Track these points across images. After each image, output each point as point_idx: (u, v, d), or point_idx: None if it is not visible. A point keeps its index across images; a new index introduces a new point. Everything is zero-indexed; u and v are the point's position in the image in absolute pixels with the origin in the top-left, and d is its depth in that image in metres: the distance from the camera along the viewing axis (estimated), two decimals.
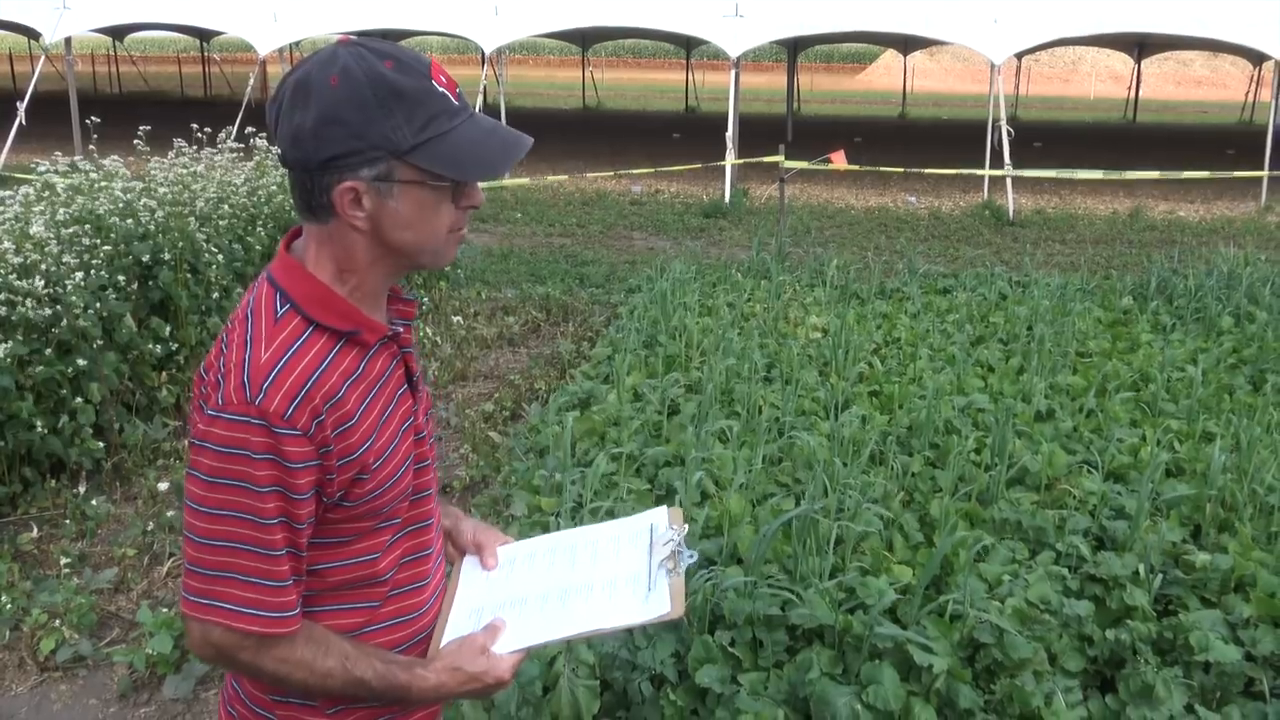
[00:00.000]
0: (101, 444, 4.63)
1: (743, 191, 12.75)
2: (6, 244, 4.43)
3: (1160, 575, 3.37)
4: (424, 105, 1.30)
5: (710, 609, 3.13)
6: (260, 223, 6.09)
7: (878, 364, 5.44)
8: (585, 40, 26.69)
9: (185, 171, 5.97)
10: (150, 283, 5.24)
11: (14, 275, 4.41)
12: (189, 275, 5.34)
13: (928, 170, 12.77)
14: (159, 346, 5.06)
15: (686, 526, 1.58)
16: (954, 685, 2.86)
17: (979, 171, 12.69)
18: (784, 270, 7.45)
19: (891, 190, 14.32)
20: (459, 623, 1.49)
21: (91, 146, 6.15)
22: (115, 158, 5.98)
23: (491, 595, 1.53)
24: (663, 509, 1.64)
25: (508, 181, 13.33)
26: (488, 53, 14.00)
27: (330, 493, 1.34)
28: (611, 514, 3.74)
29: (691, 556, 1.50)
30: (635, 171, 13.87)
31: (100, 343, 4.68)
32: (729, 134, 12.80)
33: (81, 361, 4.53)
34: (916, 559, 3.47)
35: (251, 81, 14.49)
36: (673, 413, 4.76)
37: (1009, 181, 12.22)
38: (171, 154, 6.20)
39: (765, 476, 3.99)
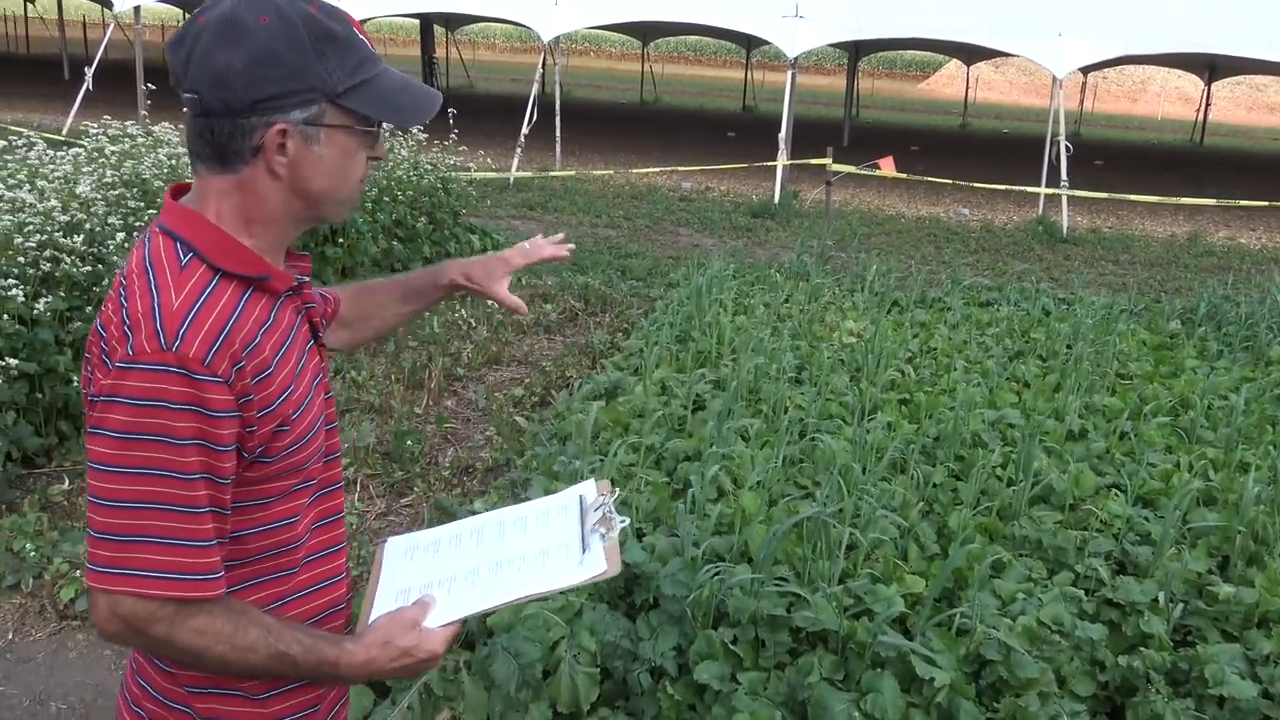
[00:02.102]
0: None
1: (793, 193, 12.67)
2: (54, 202, 4.52)
3: (1181, 605, 3.29)
4: (354, 50, 1.30)
5: (715, 605, 3.11)
6: None
7: (910, 372, 5.37)
8: (646, 35, 26.66)
9: None
10: None
11: (59, 233, 4.50)
12: None
13: (978, 184, 12.57)
14: None
15: (616, 492, 1.56)
16: (956, 700, 2.81)
17: (1030, 189, 12.49)
18: (824, 274, 7.39)
19: (944, 201, 14.15)
20: (384, 603, 1.43)
21: (144, 114, 6.26)
22: (166, 124, 6.08)
23: (418, 576, 1.48)
24: (590, 481, 1.62)
25: (558, 172, 13.37)
26: (545, 41, 14.02)
27: (250, 447, 1.28)
28: (626, 504, 3.74)
29: (623, 521, 1.47)
30: (683, 168, 13.83)
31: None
32: (781, 135, 12.72)
33: None
34: (930, 570, 3.42)
35: None
36: (698, 408, 4.74)
37: (1064, 198, 12.02)
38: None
39: (783, 477, 3.96)
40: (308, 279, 1.46)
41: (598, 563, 1.40)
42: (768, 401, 4.66)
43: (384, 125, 1.39)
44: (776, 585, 3.12)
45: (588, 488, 1.59)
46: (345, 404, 5.36)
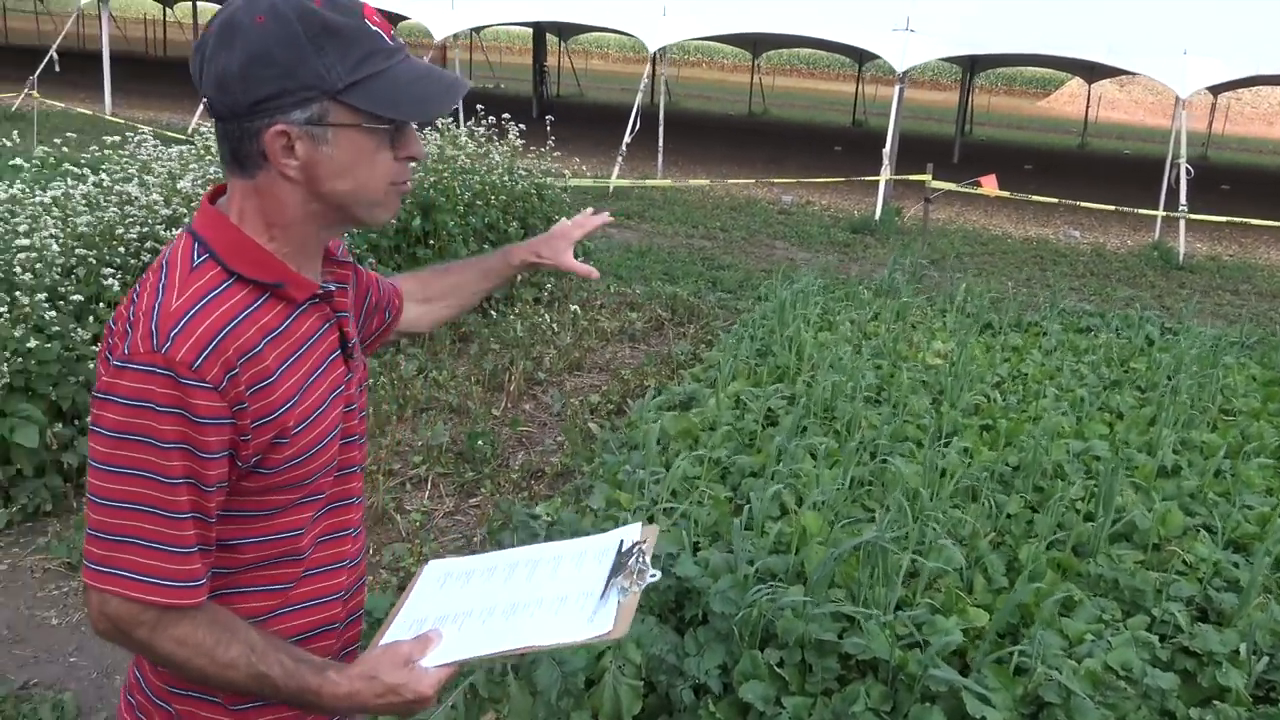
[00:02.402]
0: None
1: (895, 210, 12.43)
2: (156, 196, 4.71)
3: (1265, 658, 3.09)
4: (358, 43, 1.23)
5: (765, 626, 3.05)
6: None
7: (997, 398, 5.20)
8: (757, 47, 26.55)
9: None
10: None
11: (161, 225, 4.69)
12: None
13: (1084, 204, 12.12)
14: None
15: (653, 544, 1.49)
16: None
17: (1142, 210, 11.98)
18: (916, 292, 7.21)
19: (1055, 222, 13.70)
20: (398, 631, 1.39)
21: None
22: None
23: (438, 606, 1.44)
24: (636, 525, 1.55)
25: (658, 181, 13.39)
26: (652, 51, 14.08)
27: (245, 456, 1.25)
28: (686, 517, 3.70)
29: (654, 575, 1.40)
30: (778, 180, 13.71)
31: None
32: (886, 150, 12.50)
33: None
34: (995, 604, 3.29)
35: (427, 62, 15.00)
36: (771, 424, 4.67)
37: (1182, 223, 11.51)
38: None
39: (849, 498, 3.86)
40: (343, 286, 1.43)
41: (605, 622, 1.33)
42: (841, 420, 4.56)
43: (415, 123, 1.34)
44: (830, 609, 3.04)
45: (631, 531, 1.53)
46: (426, 402, 5.45)
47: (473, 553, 4.09)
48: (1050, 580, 3.38)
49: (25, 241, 3.85)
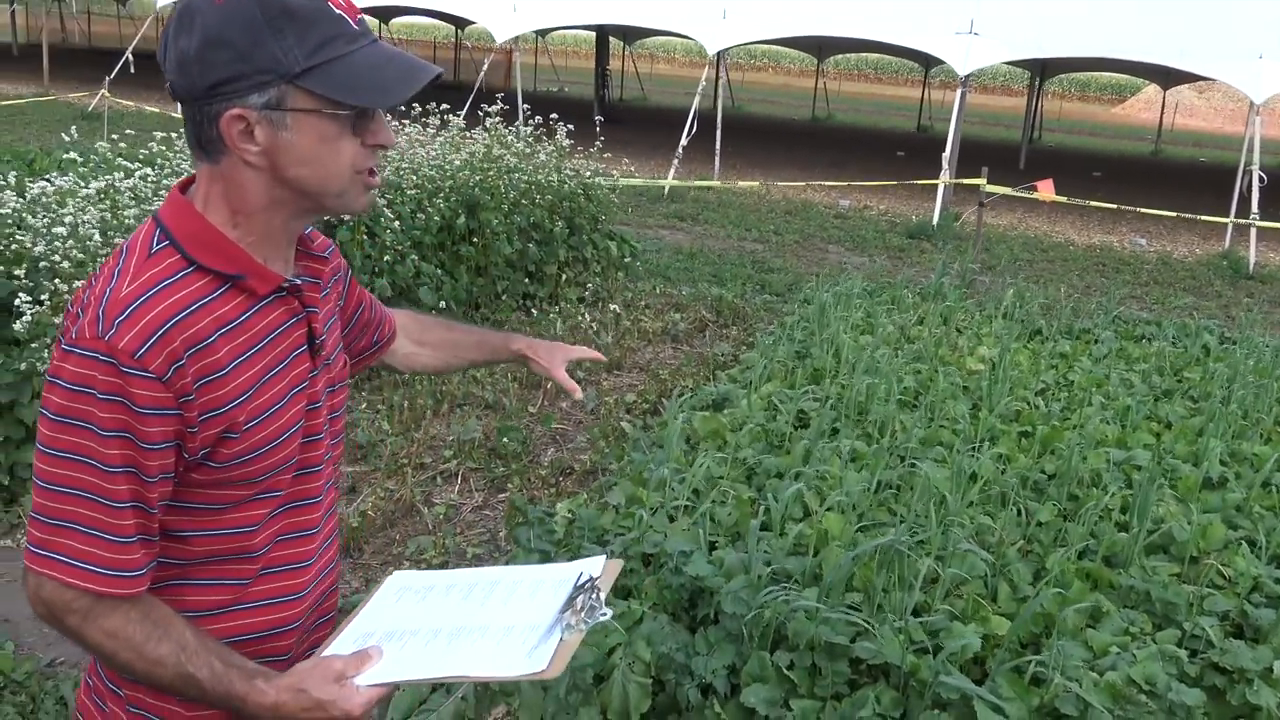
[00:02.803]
0: None
1: (953, 215, 12.23)
2: None
3: None
4: (318, 26, 1.21)
5: (776, 627, 3.00)
6: (442, 196, 6.34)
7: (1041, 405, 5.06)
8: (822, 51, 26.34)
9: None
10: (331, 239, 5.56)
11: None
12: (365, 237, 5.63)
13: (1156, 211, 11.78)
14: None
15: (611, 580, 1.46)
16: None
17: (1211, 218, 11.61)
18: (963, 297, 7.07)
19: (1120, 230, 13.36)
20: (344, 643, 1.37)
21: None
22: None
23: (388, 621, 1.42)
24: (600, 558, 1.52)
25: (714, 183, 13.35)
26: (711, 54, 14.05)
27: (192, 449, 1.23)
28: (709, 516, 3.66)
29: (604, 614, 1.38)
30: (829, 183, 13.56)
31: None
32: (945, 154, 12.30)
33: None
34: (1020, 613, 3.19)
35: (485, 67, 15.18)
36: (803, 425, 4.61)
37: (1253, 231, 11.13)
38: None
39: (875, 502, 3.79)
40: (315, 280, 1.40)
41: (541, 660, 1.30)
42: (874, 423, 4.48)
43: (385, 110, 1.30)
44: (842, 613, 2.98)
45: (593, 564, 1.50)
46: (462, 398, 5.48)
47: (495, 548, 4.11)
48: (1078, 590, 3.28)
49: (63, 230, 3.95)
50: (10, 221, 4.33)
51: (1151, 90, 36.37)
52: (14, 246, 4.22)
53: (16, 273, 4.11)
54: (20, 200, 4.53)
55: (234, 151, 1.23)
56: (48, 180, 4.66)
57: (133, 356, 1.16)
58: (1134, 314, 7.60)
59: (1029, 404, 5.01)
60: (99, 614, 1.23)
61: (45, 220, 4.26)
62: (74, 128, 5.40)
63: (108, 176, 4.73)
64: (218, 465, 1.27)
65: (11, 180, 4.94)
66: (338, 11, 1.24)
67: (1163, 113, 26.03)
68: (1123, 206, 12.04)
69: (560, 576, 1.48)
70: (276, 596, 1.39)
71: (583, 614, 1.37)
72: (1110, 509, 3.83)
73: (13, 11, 25.90)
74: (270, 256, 1.31)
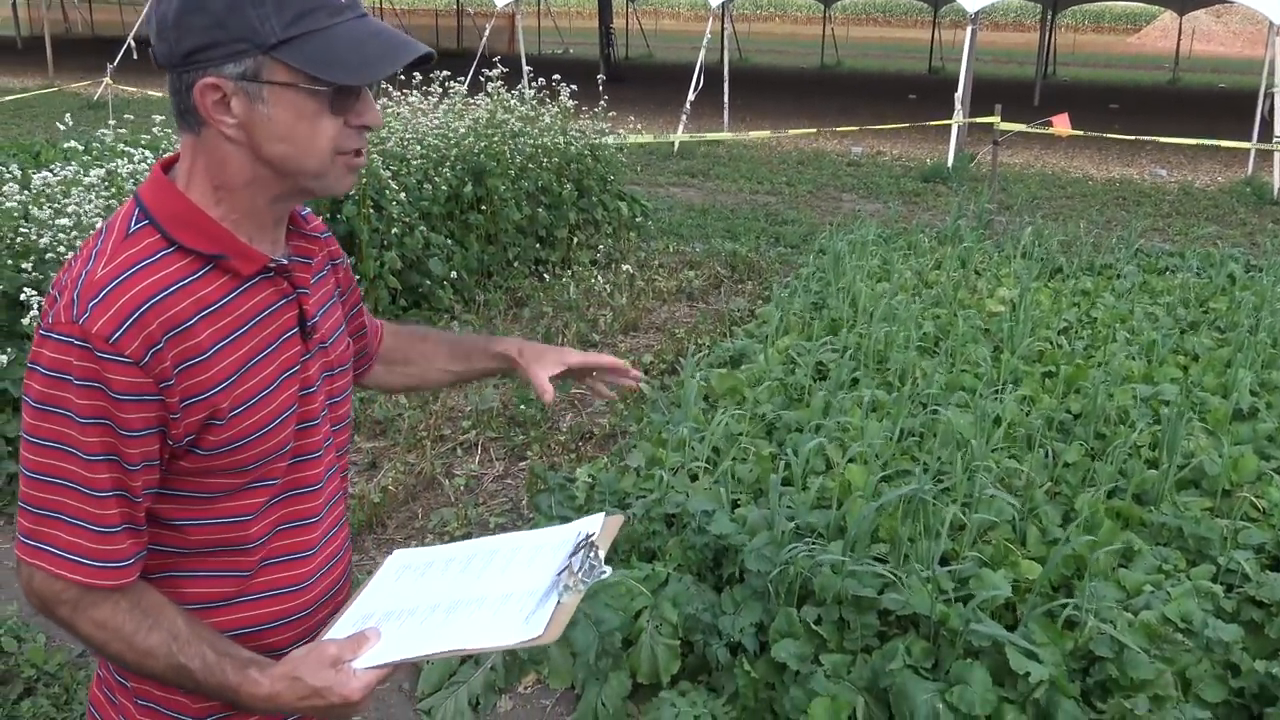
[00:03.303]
0: None
1: (968, 156, 12.03)
2: None
3: None
4: None
5: (802, 583, 2.97)
6: (449, 165, 6.27)
7: (1064, 344, 4.98)
8: None
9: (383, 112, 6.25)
10: (338, 215, 5.52)
11: None
12: (372, 211, 5.58)
13: (1175, 140, 11.54)
14: None
15: (611, 537, 1.42)
16: (1055, 698, 2.58)
17: (1232, 144, 11.35)
18: (983, 239, 6.96)
19: (1140, 161, 13.11)
20: (343, 627, 1.33)
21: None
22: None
23: (388, 601, 1.38)
24: (599, 516, 1.48)
25: (722, 135, 13.19)
26: (714, 6, 13.82)
27: (175, 435, 1.19)
28: (728, 475, 3.62)
29: (603, 573, 1.33)
30: (841, 129, 13.37)
31: None
32: (958, 94, 12.07)
33: None
34: (1050, 556, 3.15)
35: (487, 32, 15.01)
36: (823, 377, 4.55)
37: (1277, 156, 10.89)
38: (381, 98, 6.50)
39: (898, 451, 3.74)
40: (306, 260, 1.35)
41: (537, 625, 1.26)
42: (894, 371, 4.42)
43: (368, 85, 1.24)
44: (869, 565, 2.94)
45: (591, 523, 1.46)
46: None
47: (519, 516, 4.10)
48: (1108, 530, 3.23)
49: (66, 221, 3.93)
50: (15, 214, 4.31)
51: (1168, 17, 35.62)
52: (20, 239, 4.20)
53: (24, 266, 4.10)
54: (25, 193, 4.51)
55: (211, 123, 1.18)
56: (50, 171, 4.63)
57: (107, 341, 1.12)
58: (1156, 246, 7.47)
59: (1051, 344, 4.94)
60: (88, 604, 1.20)
61: (49, 211, 4.24)
62: (68, 116, 5.36)
63: (109, 164, 4.69)
64: (205, 453, 1.23)
65: (16, 173, 4.92)
66: None
67: (1179, 39, 25.49)
68: (1141, 137, 11.80)
69: (559, 539, 1.45)
70: (280, 588, 1.35)
71: (579, 574, 1.34)
72: (1139, 446, 3.77)
73: (14, 4, 25.84)
74: (256, 235, 1.26)
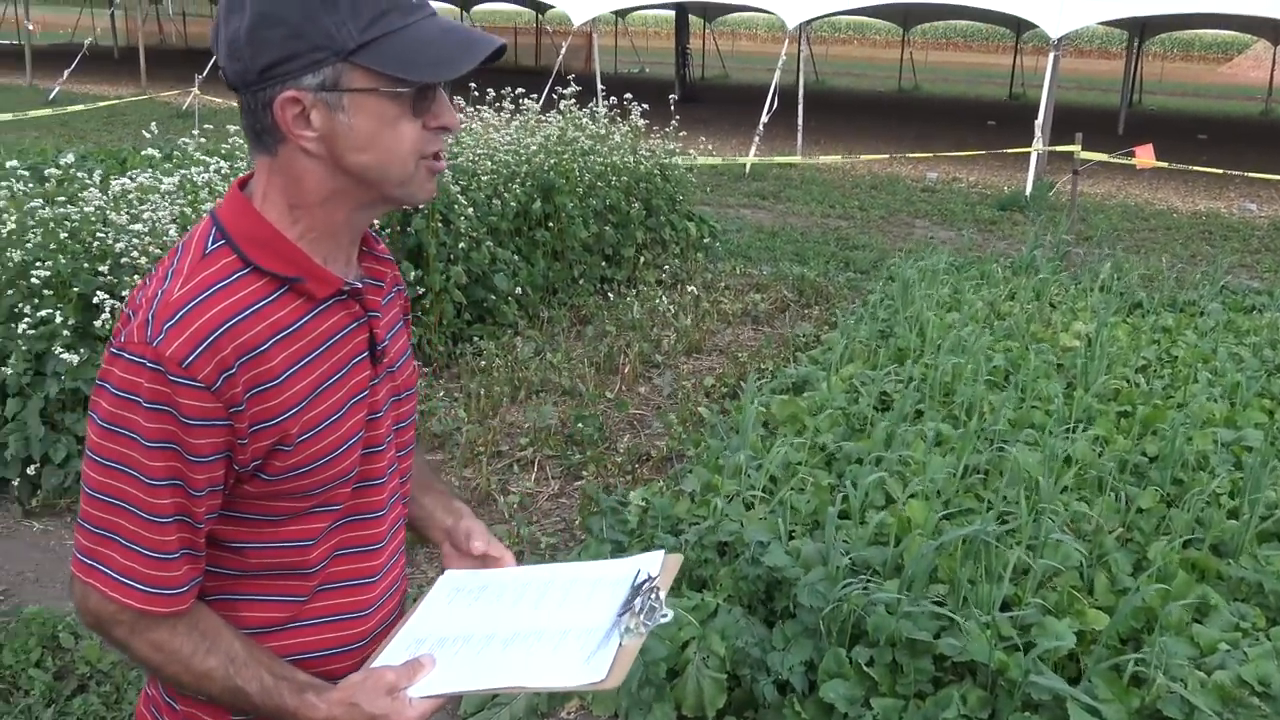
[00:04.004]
0: None
1: (1047, 185, 11.76)
2: None
3: None
4: (371, 0, 1.13)
5: (855, 622, 2.88)
6: (518, 181, 6.30)
7: (1142, 383, 4.80)
8: (907, 20, 25.67)
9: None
10: (407, 228, 5.57)
11: None
12: (440, 225, 5.62)
13: (1256, 174, 11.14)
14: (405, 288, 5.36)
15: (671, 578, 1.37)
16: None
17: None
18: (1058, 270, 6.77)
19: (1228, 195, 12.69)
20: (396, 650, 1.31)
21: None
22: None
23: (441, 626, 1.35)
24: (659, 554, 1.43)
25: (795, 159, 13.10)
26: (790, 27, 13.76)
27: (242, 460, 1.17)
28: (785, 504, 3.54)
29: (665, 616, 1.29)
30: (914, 155, 13.18)
31: None
32: (1038, 122, 11.84)
33: None
34: (1118, 606, 3.01)
35: (563, 50, 15.14)
36: (886, 408, 4.45)
37: None
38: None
39: (961, 488, 3.62)
40: (378, 284, 1.33)
41: (600, 667, 1.22)
42: (960, 404, 4.30)
43: (441, 85, 1.21)
44: (925, 606, 2.84)
45: (651, 561, 1.42)
46: (539, 385, 5.44)
47: (570, 537, 4.06)
48: (1183, 582, 3.08)
49: (139, 227, 4.01)
50: (94, 219, 4.42)
51: (1260, 46, 34.56)
52: (96, 244, 4.30)
53: (100, 269, 4.19)
54: (104, 198, 4.62)
55: (290, 139, 1.16)
56: (129, 177, 4.74)
57: (181, 365, 1.10)
58: (1243, 284, 7.19)
59: (1129, 382, 4.76)
60: (145, 627, 1.19)
61: (126, 217, 4.33)
62: (154, 124, 5.49)
63: (183, 171, 4.79)
64: (271, 477, 1.20)
65: (97, 179, 5.05)
66: None
67: (1274, 69, 24.67)
68: (1230, 171, 11.43)
69: (617, 575, 1.40)
70: (337, 614, 1.32)
71: (641, 616, 1.29)
72: (1218, 494, 3.61)
73: (112, 15, 26.80)
74: (331, 256, 1.23)
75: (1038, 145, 11.74)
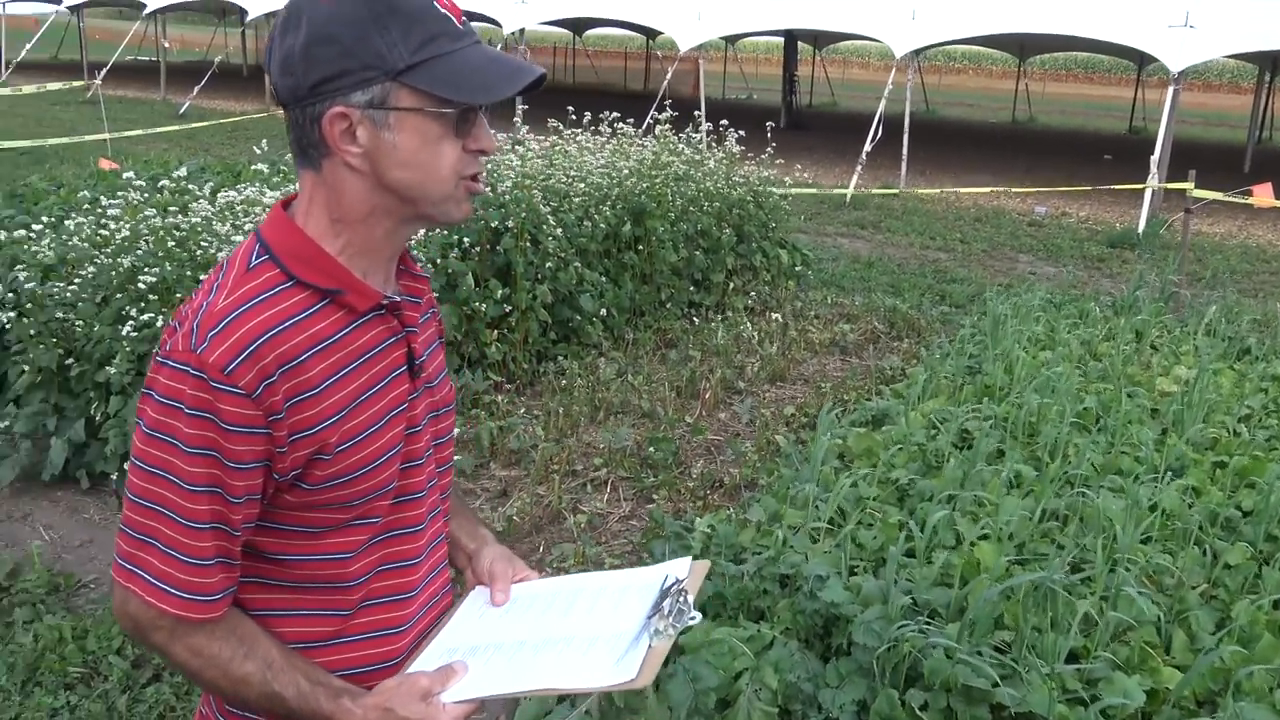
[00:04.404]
0: None
1: (1161, 222, 11.35)
2: None
3: None
4: (423, 23, 1.18)
5: (912, 664, 2.81)
6: (609, 204, 6.36)
7: (1243, 432, 4.58)
8: (1024, 51, 25.12)
9: (539, 150, 6.42)
10: (496, 247, 5.68)
11: None
12: (529, 244, 5.71)
13: None
14: (491, 305, 5.46)
15: (698, 582, 1.39)
16: None
17: None
18: (1163, 311, 6.51)
19: None
20: (431, 658, 1.35)
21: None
22: (492, 132, 6.56)
23: (474, 635, 1.39)
24: (686, 560, 1.45)
25: (890, 189, 12.91)
26: (898, 57, 13.60)
27: (281, 469, 1.20)
28: (852, 540, 3.49)
29: (693, 618, 1.31)
30: (1018, 190, 12.84)
31: (436, 295, 5.14)
32: (1154, 157, 11.44)
33: None
34: (1195, 665, 2.87)
35: (669, 75, 15.26)
36: (967, 446, 4.33)
37: None
38: (541, 138, 6.69)
39: (1038, 533, 3.51)
40: (415, 300, 1.37)
41: (630, 668, 1.25)
42: (1044, 446, 4.17)
43: (482, 110, 1.26)
44: (985, 653, 2.75)
45: (678, 566, 1.44)
46: (619, 406, 5.47)
47: (637, 559, 4.06)
48: (1268, 645, 2.92)
49: (241, 238, 4.18)
50: (200, 229, 4.63)
51: None
52: (200, 252, 4.50)
53: (202, 276, 4.38)
54: (212, 209, 4.84)
55: (336, 153, 1.21)
56: (236, 190, 4.95)
57: (223, 372, 1.14)
58: None
59: (1229, 430, 4.55)
60: (184, 632, 1.21)
61: (229, 227, 4.53)
62: (265, 141, 5.72)
63: (289, 187, 4.98)
64: (310, 487, 1.24)
65: (208, 190, 5.30)
66: (442, 10, 1.21)
67: None
68: None
69: (645, 581, 1.43)
70: (379, 630, 1.35)
71: (670, 618, 1.32)
72: None
73: (243, 34, 28.06)
74: (370, 270, 1.28)
75: (1152, 181, 11.34)
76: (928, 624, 2.86)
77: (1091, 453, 4.03)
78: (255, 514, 1.23)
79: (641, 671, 1.24)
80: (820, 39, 25.56)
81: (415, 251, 5.09)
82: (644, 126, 7.52)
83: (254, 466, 1.19)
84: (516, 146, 6.39)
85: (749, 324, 6.70)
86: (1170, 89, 11.83)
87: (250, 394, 1.15)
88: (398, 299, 1.30)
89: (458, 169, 1.24)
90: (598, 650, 1.29)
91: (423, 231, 5.12)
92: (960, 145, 19.55)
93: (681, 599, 1.33)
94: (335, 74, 1.18)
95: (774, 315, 6.95)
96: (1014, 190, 13.09)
